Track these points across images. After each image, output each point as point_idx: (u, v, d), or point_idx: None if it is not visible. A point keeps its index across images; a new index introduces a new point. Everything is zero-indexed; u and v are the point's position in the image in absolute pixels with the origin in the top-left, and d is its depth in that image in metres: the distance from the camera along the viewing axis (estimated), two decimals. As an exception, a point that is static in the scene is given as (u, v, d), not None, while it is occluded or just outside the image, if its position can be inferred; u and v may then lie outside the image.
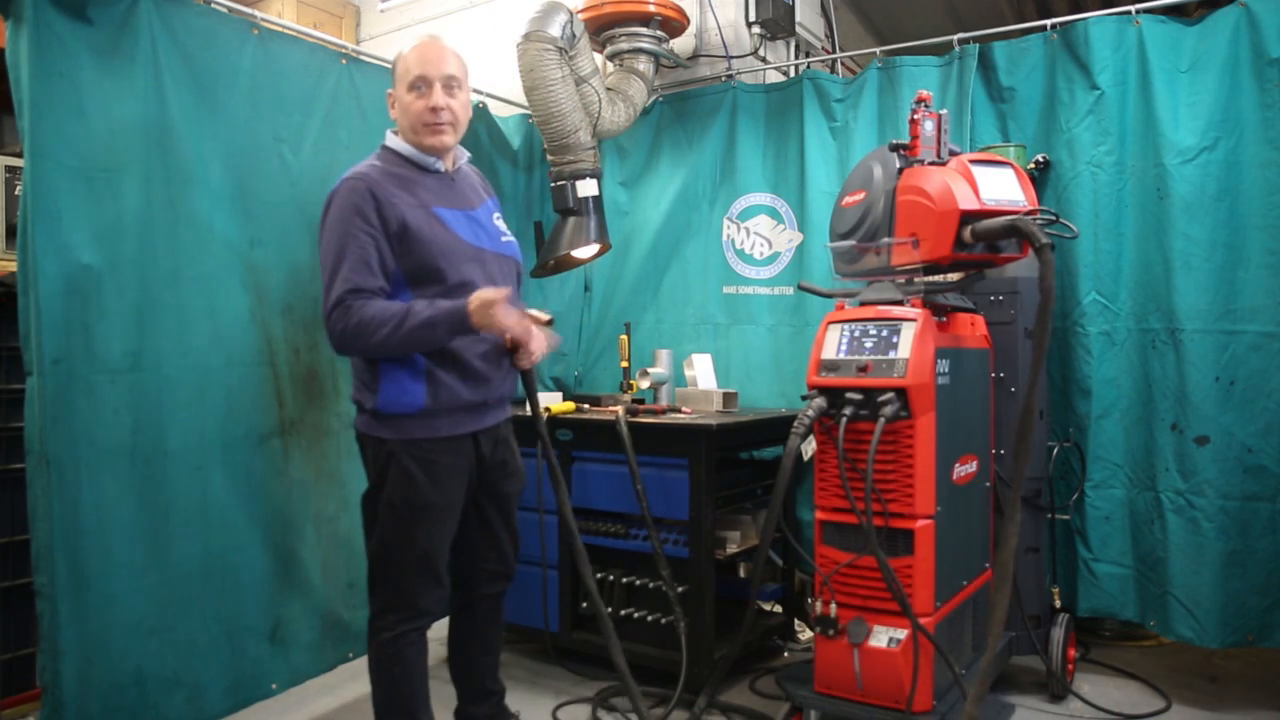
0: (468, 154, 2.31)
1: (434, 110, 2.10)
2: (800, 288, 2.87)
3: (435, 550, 2.15)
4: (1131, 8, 2.99)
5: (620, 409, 3.01)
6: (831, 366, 2.36)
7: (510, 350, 2.20)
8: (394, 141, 2.19)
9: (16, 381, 2.24)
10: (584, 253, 3.56)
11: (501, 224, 2.31)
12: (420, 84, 2.10)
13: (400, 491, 2.09)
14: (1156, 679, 3.00)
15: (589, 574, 2.42)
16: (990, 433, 2.76)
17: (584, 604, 3.14)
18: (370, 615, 2.19)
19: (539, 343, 2.19)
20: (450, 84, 2.12)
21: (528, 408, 2.39)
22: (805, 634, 3.47)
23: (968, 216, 2.27)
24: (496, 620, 2.45)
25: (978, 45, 3.24)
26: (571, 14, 3.32)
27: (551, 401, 3.22)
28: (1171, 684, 2.97)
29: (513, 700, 2.62)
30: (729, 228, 3.74)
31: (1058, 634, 2.86)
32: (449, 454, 2.13)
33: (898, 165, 2.43)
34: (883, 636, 2.30)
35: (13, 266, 2.23)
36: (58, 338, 2.12)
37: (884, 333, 2.33)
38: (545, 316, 2.22)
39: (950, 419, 2.38)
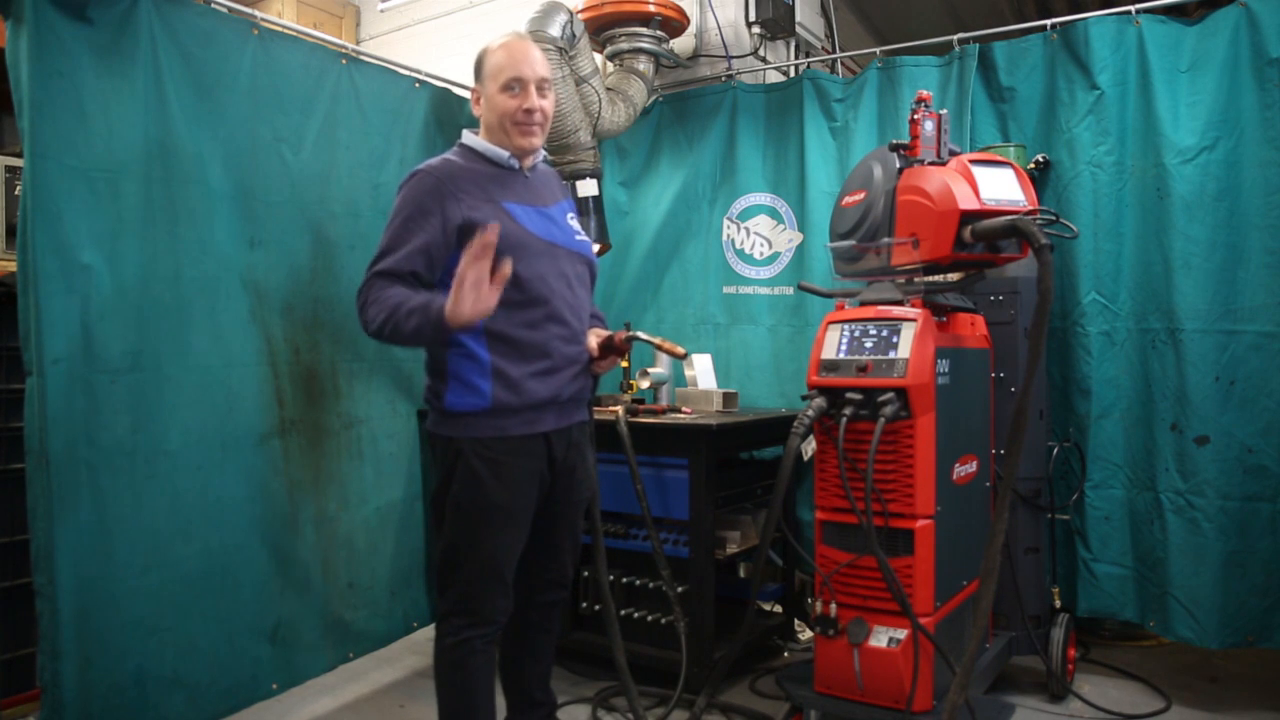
0: (544, 153, 2.28)
1: (528, 112, 2.10)
2: (800, 288, 2.87)
3: (502, 554, 2.08)
4: (1131, 8, 2.99)
5: (620, 409, 3.01)
6: (831, 366, 2.36)
7: (597, 356, 2.17)
8: (470, 139, 2.17)
9: (16, 381, 2.24)
10: (584, 253, 3.56)
11: (575, 224, 2.27)
12: (515, 84, 2.08)
13: (467, 492, 2.04)
14: (1156, 679, 2.99)
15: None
16: (990, 433, 2.76)
17: (584, 603, 3.14)
18: (437, 619, 2.14)
19: (609, 364, 2.21)
20: (542, 86, 2.12)
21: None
22: (805, 634, 3.47)
23: (968, 216, 2.27)
24: (549, 629, 2.35)
25: (978, 45, 3.24)
26: (571, 14, 3.32)
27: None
28: (1171, 684, 2.97)
29: (513, 700, 2.62)
30: (729, 228, 3.74)
31: (1058, 634, 2.86)
32: (518, 454, 2.06)
33: (898, 165, 2.43)
34: (883, 636, 2.30)
35: (13, 266, 2.23)
36: (58, 338, 2.12)
37: (884, 333, 2.33)
38: (621, 335, 2.19)
39: (950, 419, 2.38)
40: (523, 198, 2.14)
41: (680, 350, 2.26)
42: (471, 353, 2.03)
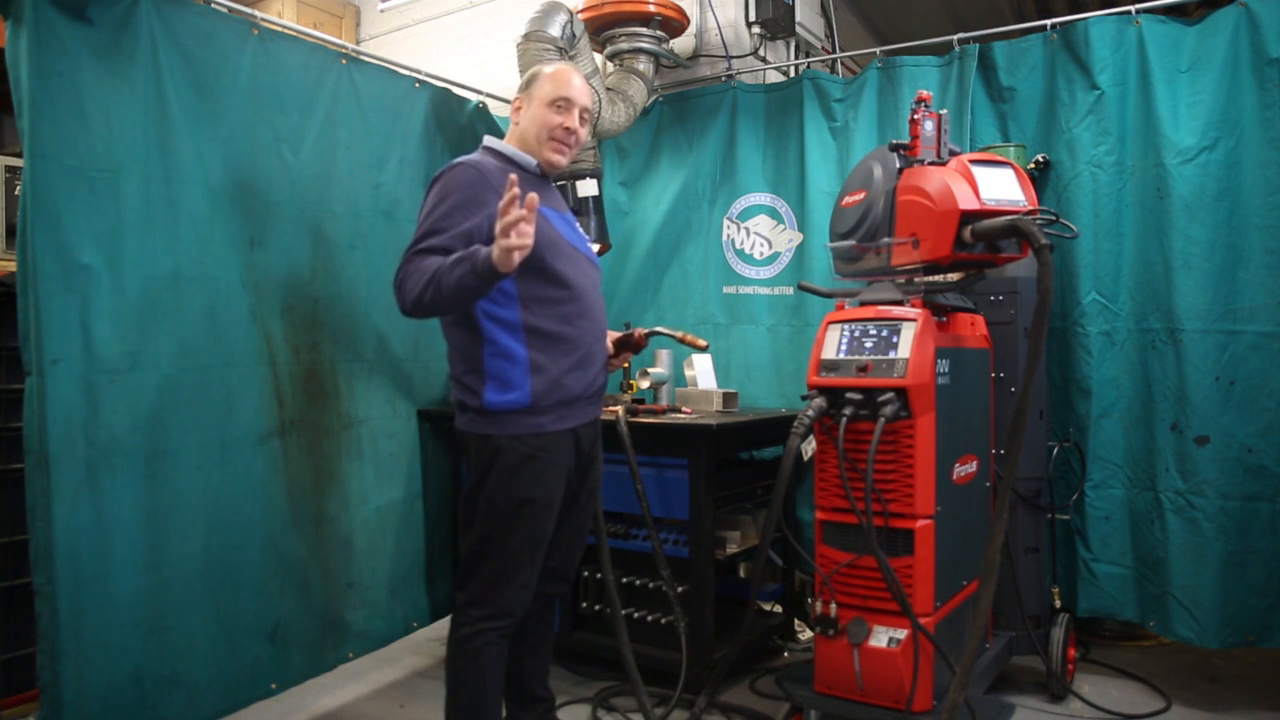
0: None
1: (567, 130, 2.19)
2: (800, 288, 2.87)
3: (532, 547, 2.13)
4: (1131, 8, 2.99)
5: (620, 409, 3.01)
6: (831, 366, 2.36)
7: (611, 354, 2.27)
8: (497, 143, 2.24)
9: (16, 381, 2.24)
10: (584, 253, 3.56)
11: (582, 231, 2.36)
12: (563, 103, 2.19)
13: (503, 488, 2.09)
14: (1156, 679, 3.00)
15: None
16: (990, 433, 2.76)
17: (584, 603, 3.14)
18: (454, 609, 2.18)
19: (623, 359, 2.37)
20: (584, 115, 2.23)
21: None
22: (805, 634, 3.47)
23: (968, 216, 2.27)
24: (547, 622, 2.40)
25: (978, 45, 3.24)
26: (571, 14, 3.32)
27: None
28: (1171, 684, 2.97)
29: (513, 700, 2.62)
30: (729, 228, 3.74)
31: (1058, 634, 2.86)
32: (553, 450, 2.13)
33: (898, 165, 2.43)
34: (883, 636, 2.30)
35: (13, 266, 2.23)
36: (57, 338, 2.13)
37: (884, 333, 2.33)
38: (642, 331, 2.32)
39: (950, 419, 2.38)
40: (550, 203, 2.22)
41: (702, 342, 2.33)
42: (508, 351, 2.08)
